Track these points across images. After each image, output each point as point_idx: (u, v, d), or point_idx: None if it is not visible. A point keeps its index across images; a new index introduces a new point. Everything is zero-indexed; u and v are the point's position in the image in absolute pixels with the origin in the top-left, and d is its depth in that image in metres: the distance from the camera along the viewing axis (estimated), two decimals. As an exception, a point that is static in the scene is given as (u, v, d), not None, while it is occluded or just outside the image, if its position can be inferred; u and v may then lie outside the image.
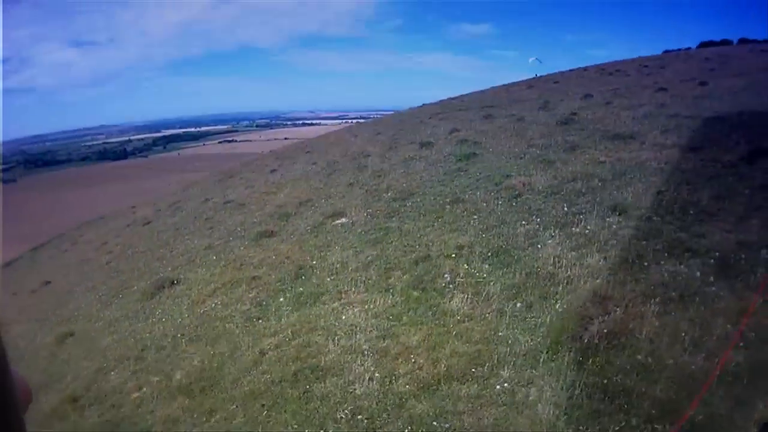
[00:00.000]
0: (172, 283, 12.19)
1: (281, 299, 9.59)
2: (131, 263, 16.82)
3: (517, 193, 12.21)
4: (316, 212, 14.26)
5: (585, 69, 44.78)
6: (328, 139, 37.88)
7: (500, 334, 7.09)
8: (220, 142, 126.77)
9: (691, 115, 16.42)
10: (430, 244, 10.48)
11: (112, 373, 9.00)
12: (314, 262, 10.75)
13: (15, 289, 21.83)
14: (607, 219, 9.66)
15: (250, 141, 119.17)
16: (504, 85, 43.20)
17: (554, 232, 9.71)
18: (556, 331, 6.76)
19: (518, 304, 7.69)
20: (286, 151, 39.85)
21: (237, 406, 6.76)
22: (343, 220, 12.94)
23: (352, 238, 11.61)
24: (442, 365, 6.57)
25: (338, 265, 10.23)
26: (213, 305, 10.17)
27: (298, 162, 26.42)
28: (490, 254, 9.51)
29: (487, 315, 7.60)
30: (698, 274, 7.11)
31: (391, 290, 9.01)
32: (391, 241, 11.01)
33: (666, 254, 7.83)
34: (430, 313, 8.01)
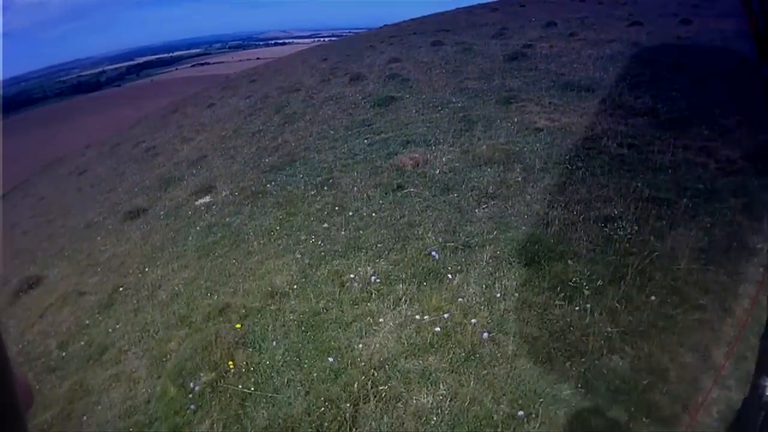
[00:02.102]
0: (30, 287, 9.94)
1: (81, 342, 7.15)
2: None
3: (400, 182, 8.30)
4: (191, 182, 12.08)
5: None
6: (279, 64, 35.32)
7: None
8: (193, 66, 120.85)
9: (674, 63, 12.10)
10: (249, 274, 7.03)
11: None
12: (131, 281, 8.26)
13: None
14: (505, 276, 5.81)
15: (223, 63, 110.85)
16: (469, 7, 38.07)
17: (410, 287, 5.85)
18: None
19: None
20: (237, 78, 36.84)
21: None
22: (207, 199, 10.65)
23: (182, 245, 8.83)
24: None
25: (144, 298, 7.53)
26: (32, 338, 7.89)
27: (238, 94, 24.75)
28: (301, 319, 5.73)
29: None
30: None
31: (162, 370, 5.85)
32: (214, 259, 7.88)
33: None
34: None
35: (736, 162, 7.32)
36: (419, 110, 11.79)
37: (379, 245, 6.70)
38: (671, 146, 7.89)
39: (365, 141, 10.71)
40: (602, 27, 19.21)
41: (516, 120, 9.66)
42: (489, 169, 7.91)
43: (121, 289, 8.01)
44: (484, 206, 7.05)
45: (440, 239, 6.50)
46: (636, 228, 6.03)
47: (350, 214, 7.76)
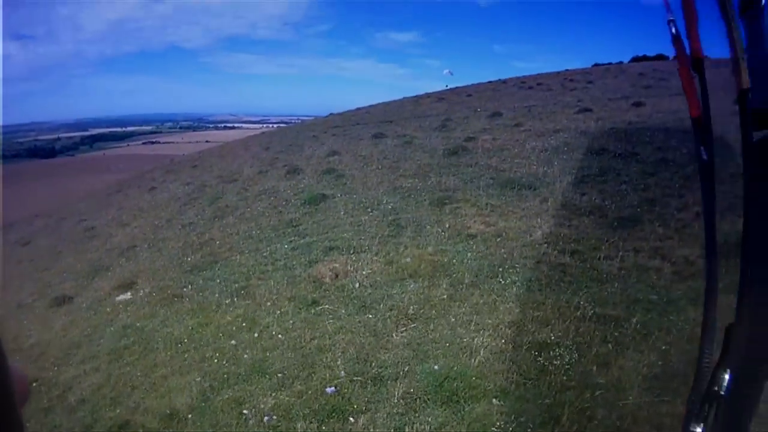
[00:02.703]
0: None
1: None
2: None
3: (315, 296, 7.22)
4: (117, 273, 11.14)
5: (504, 81, 39.70)
6: (223, 150, 35.04)
7: None
8: (144, 143, 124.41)
9: (624, 152, 11.77)
10: (152, 389, 6.09)
11: None
12: (46, 376, 7.22)
13: None
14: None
15: (172, 143, 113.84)
16: (416, 96, 38.51)
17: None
18: None
19: None
20: (181, 162, 36.15)
21: None
22: (127, 295, 9.59)
23: (96, 345, 7.81)
24: None
25: (55, 398, 6.58)
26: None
27: (179, 179, 24.10)
28: None
29: None
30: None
31: None
32: (123, 366, 6.87)
33: None
34: None
35: (694, 263, 6.54)
36: (349, 211, 10.97)
37: (284, 372, 5.65)
38: (620, 250, 7.11)
39: (289, 244, 9.75)
40: (549, 115, 19.10)
41: (448, 225, 8.84)
42: (413, 284, 6.87)
43: (35, 384, 6.98)
44: (402, 329, 5.94)
45: (349, 369, 5.40)
46: (576, 356, 5.07)
47: (260, 331, 6.68)
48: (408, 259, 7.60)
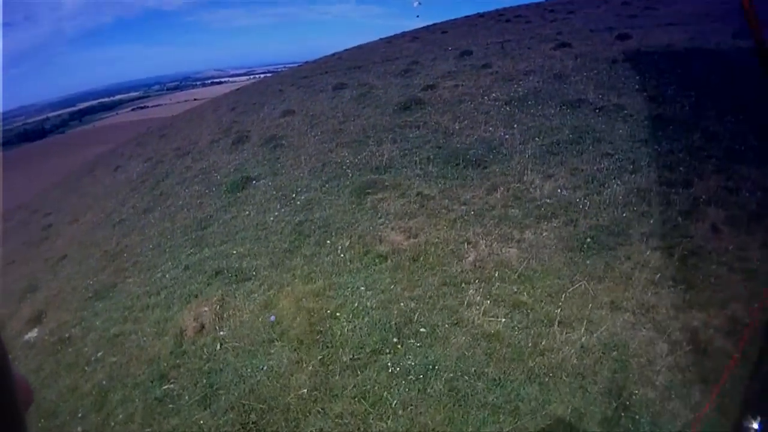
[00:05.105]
0: None
1: None
2: None
3: (168, 365, 5.54)
4: (36, 299, 10.20)
5: (482, 15, 35.82)
6: (195, 113, 33.62)
7: None
8: (133, 109, 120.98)
9: (607, 105, 9.28)
10: None
11: None
12: None
13: None
14: None
15: (161, 105, 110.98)
16: (391, 37, 35.50)
17: None
18: None
19: None
20: (152, 132, 34.46)
21: None
22: (34, 333, 8.77)
23: None
24: None
25: None
26: None
27: (143, 154, 23.12)
28: None
29: None
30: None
31: None
32: None
33: None
34: None
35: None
36: (262, 205, 9.17)
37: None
38: (592, 296, 4.96)
39: (184, 261, 8.29)
40: (523, 52, 16.46)
41: (360, 232, 6.65)
42: (277, 356, 4.87)
43: None
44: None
45: None
46: None
47: (106, 415, 5.31)
48: (286, 303, 5.56)
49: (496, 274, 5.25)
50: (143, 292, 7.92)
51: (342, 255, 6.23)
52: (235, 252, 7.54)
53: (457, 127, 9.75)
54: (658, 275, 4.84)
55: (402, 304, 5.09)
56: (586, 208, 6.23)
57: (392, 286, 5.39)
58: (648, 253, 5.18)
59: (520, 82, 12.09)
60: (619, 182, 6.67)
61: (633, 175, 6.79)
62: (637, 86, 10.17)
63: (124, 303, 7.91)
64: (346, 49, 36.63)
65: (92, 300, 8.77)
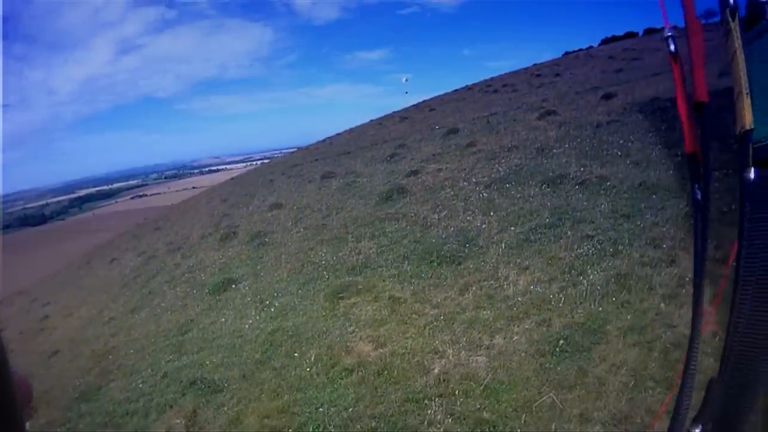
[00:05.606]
0: None
1: None
2: None
3: None
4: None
5: (470, 87, 37.46)
6: (189, 204, 34.11)
7: None
8: (132, 198, 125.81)
9: (589, 178, 9.40)
10: None
11: None
12: None
13: None
14: None
15: (159, 194, 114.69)
16: (381, 118, 36.67)
17: None
18: None
19: None
20: (147, 224, 34.47)
21: None
22: (26, 426, 6.28)
23: None
24: None
25: None
26: None
27: (138, 248, 23.19)
28: None
29: None
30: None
31: None
32: None
33: None
34: None
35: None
36: (240, 310, 9.17)
37: None
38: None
39: (163, 368, 8.26)
40: (508, 125, 16.92)
41: (326, 346, 6.58)
42: None
43: None
44: None
45: None
46: None
47: None
48: (252, 420, 5.57)
49: (461, 388, 5.11)
50: (124, 398, 7.87)
51: (308, 369, 6.19)
52: (208, 362, 7.47)
53: (435, 218, 9.88)
54: (633, 380, 4.59)
55: (364, 422, 4.97)
56: (561, 304, 6.08)
57: (356, 403, 5.29)
58: (625, 352, 5.00)
59: (502, 161, 12.37)
60: (597, 269, 6.54)
61: (613, 259, 6.64)
62: (619, 152, 10.30)
63: (106, 408, 7.88)
64: (338, 134, 37.33)
65: (78, 401, 8.75)
